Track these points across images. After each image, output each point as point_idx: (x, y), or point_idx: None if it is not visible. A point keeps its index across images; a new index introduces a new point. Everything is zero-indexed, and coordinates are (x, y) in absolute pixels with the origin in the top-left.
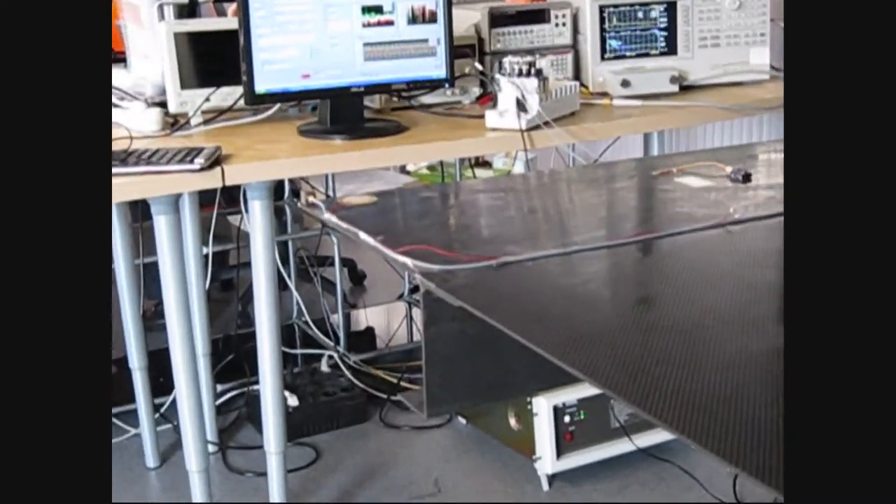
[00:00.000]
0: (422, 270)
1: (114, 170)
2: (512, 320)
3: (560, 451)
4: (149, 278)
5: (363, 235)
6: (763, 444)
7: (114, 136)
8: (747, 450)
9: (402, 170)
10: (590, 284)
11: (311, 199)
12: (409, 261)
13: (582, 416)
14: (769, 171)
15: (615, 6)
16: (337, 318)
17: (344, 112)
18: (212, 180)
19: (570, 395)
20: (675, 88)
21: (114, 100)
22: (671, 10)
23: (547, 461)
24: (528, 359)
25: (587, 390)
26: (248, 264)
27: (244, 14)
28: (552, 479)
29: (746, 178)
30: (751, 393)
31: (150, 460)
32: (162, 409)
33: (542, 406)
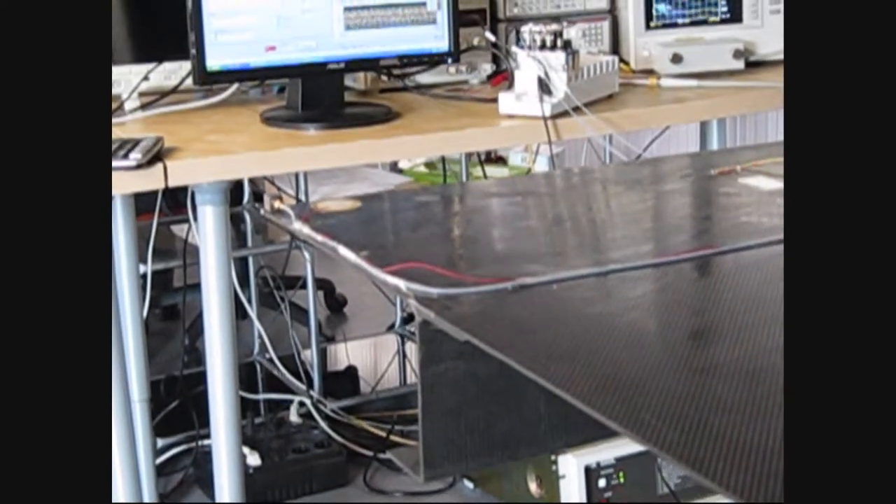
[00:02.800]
0: (418, 295)
1: None
2: (532, 358)
3: None
4: None
5: (343, 250)
6: None
7: None
8: None
9: (394, 167)
10: (631, 313)
11: (277, 204)
12: (401, 283)
13: (621, 480)
14: None
15: None
16: (310, 355)
17: (319, 94)
18: (151, 180)
19: (605, 453)
20: (741, 65)
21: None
22: None
23: None
24: (553, 407)
25: (627, 447)
26: (197, 286)
27: None
28: None
29: None
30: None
31: None
32: None
33: (571, 466)
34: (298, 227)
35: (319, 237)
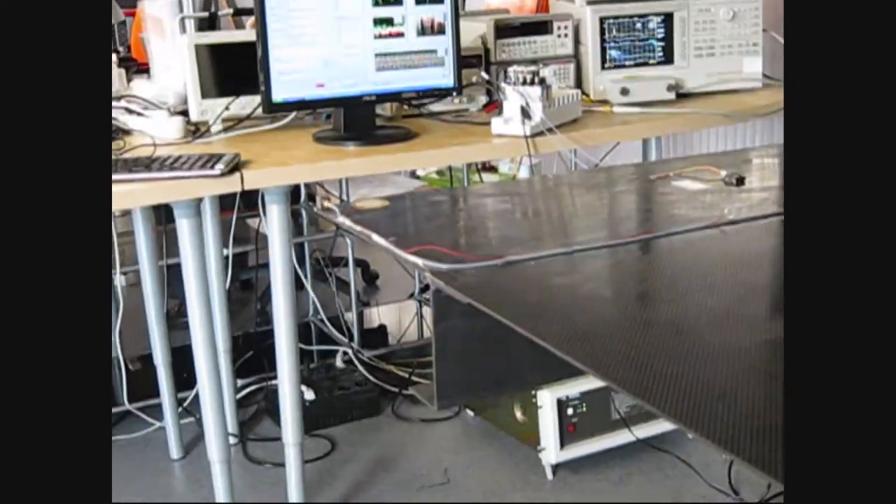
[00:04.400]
0: (431, 269)
1: (138, 175)
2: (517, 316)
3: (563, 442)
4: (172, 279)
5: (376, 237)
6: (757, 433)
7: (138, 143)
8: (742, 438)
9: (413, 174)
10: (591, 283)
11: (325, 202)
12: (419, 260)
13: (584, 409)
14: (762, 175)
15: (615, 18)
16: (351, 316)
17: (357, 119)
18: (231, 185)
19: (572, 388)
20: (672, 96)
21: (138, 109)
22: (668, 22)
23: (551, 452)
24: (533, 353)
25: (589, 384)
26: (266, 265)
27: (261, 26)
28: (556, 468)
29: (740, 181)
30: (744, 384)
31: (174, 452)
32: (185, 404)
33: (547, 399)
34: (342, 220)
35: (358, 227)
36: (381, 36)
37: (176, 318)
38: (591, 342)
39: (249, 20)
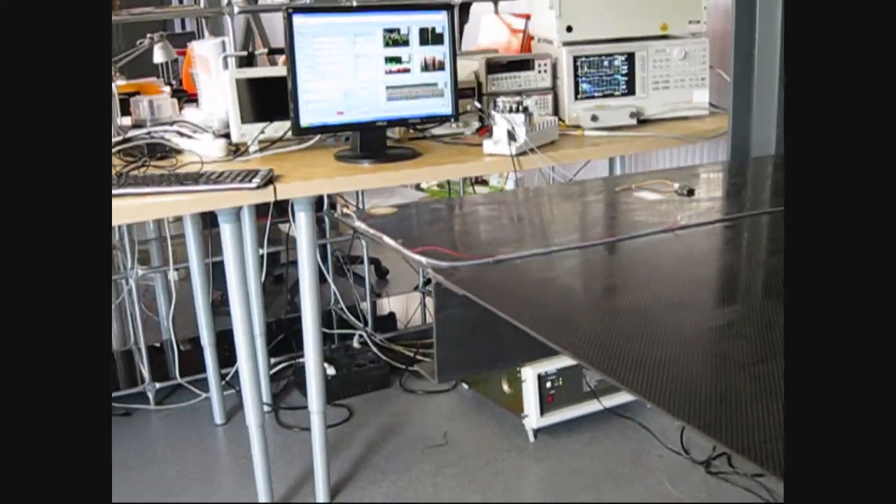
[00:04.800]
0: (433, 267)
1: (189, 188)
2: (505, 305)
3: (543, 410)
4: (216, 274)
5: (386, 239)
6: (704, 403)
7: (188, 161)
8: (692, 407)
9: (417, 187)
10: (566, 277)
11: (345, 210)
12: (423, 259)
13: (560, 382)
14: (708, 188)
15: (586, 57)
16: (365, 305)
17: (371, 141)
18: (266, 196)
19: (551, 365)
20: (634, 122)
21: (187, 132)
22: (630, 60)
23: (532, 418)
24: (518, 336)
25: (565, 361)
26: (294, 262)
27: (291, 63)
28: (537, 432)
29: (690, 192)
30: (694, 362)
31: (218, 418)
32: (227, 378)
33: (529, 374)
34: (359, 224)
35: (372, 231)
36: (391, 72)
37: (219, 307)
38: (565, 327)
39: (281, 58)
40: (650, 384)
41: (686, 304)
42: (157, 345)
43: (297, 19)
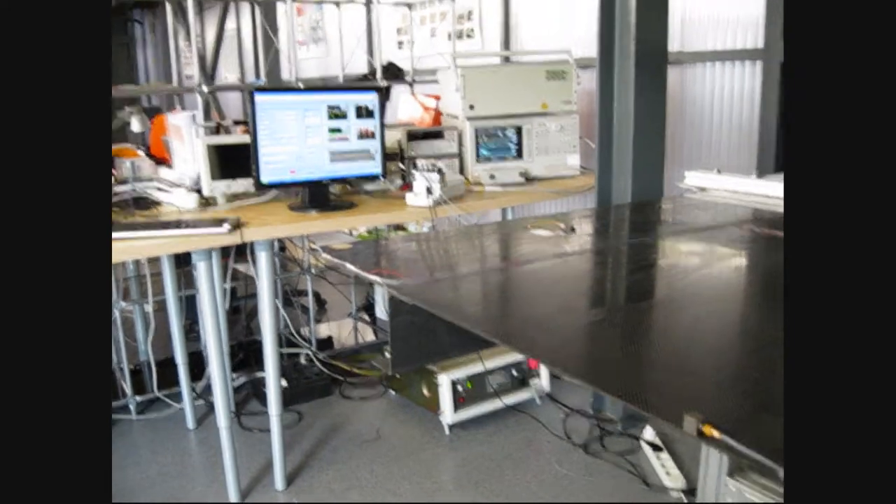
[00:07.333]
0: (388, 284)
1: (170, 232)
2: (443, 310)
3: (456, 409)
4: (186, 305)
5: (348, 265)
6: (585, 367)
7: (166, 210)
8: (575, 366)
9: (350, 232)
10: (488, 289)
11: (311, 245)
12: (379, 279)
13: (469, 386)
14: (581, 227)
15: (485, 129)
16: (310, 329)
17: (317, 195)
18: (235, 238)
19: (461, 373)
20: (523, 180)
21: (165, 187)
22: (519, 131)
23: (448, 415)
24: (451, 336)
25: (473, 369)
26: (250, 296)
27: (254, 132)
28: (451, 427)
29: (572, 230)
30: (575, 345)
31: (190, 424)
32: (197, 391)
33: (444, 380)
34: (326, 255)
35: (335, 259)
36: (333, 139)
37: (188, 333)
38: (488, 322)
39: (239, 128)
40: (545, 355)
41: (569, 308)
42: (135, 367)
43: (259, 97)
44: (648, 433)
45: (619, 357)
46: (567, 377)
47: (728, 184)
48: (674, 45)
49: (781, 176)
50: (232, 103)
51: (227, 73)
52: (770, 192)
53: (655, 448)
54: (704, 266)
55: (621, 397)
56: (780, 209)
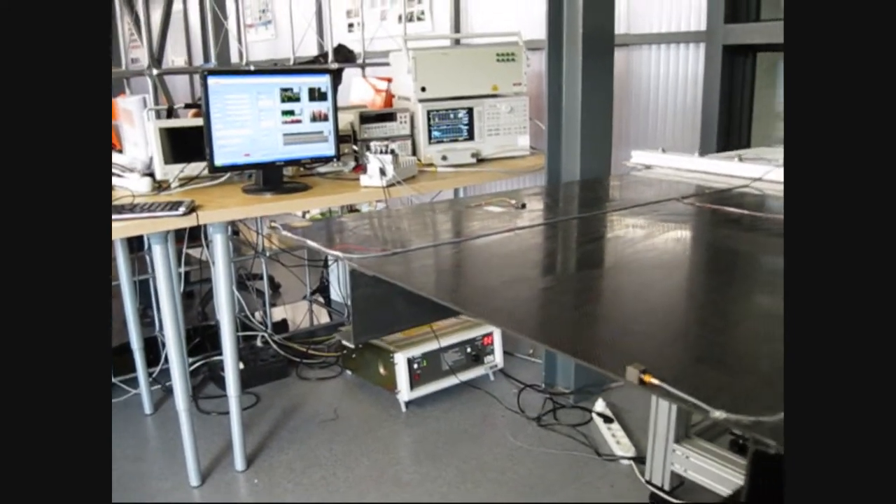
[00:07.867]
0: (349, 258)
1: (122, 216)
2: (400, 280)
3: (412, 386)
4: (140, 290)
5: (310, 242)
6: (538, 327)
7: (120, 195)
8: (527, 328)
9: (303, 214)
10: (443, 262)
11: (271, 223)
12: (340, 253)
13: (425, 363)
14: (533, 203)
15: (437, 111)
16: (264, 312)
17: (271, 178)
18: (190, 221)
19: (416, 351)
20: (474, 161)
21: (117, 171)
22: (470, 113)
23: (404, 393)
24: (409, 307)
25: (428, 347)
26: (204, 280)
27: (207, 115)
28: (408, 404)
29: (523, 206)
30: (529, 308)
31: (147, 409)
32: (153, 376)
33: (400, 359)
34: (285, 232)
35: (296, 236)
36: (287, 122)
37: (142, 318)
38: (440, 290)
39: (190, 111)
40: (499, 318)
41: (522, 278)
42: None
43: (212, 80)
44: (599, 405)
45: (571, 318)
46: (521, 336)
47: (672, 162)
48: (620, 27)
49: (722, 155)
50: (179, 87)
51: (175, 56)
52: (711, 168)
53: (606, 419)
54: (649, 237)
55: (572, 354)
56: (720, 185)
